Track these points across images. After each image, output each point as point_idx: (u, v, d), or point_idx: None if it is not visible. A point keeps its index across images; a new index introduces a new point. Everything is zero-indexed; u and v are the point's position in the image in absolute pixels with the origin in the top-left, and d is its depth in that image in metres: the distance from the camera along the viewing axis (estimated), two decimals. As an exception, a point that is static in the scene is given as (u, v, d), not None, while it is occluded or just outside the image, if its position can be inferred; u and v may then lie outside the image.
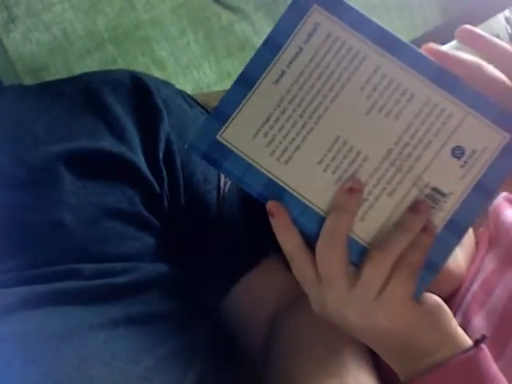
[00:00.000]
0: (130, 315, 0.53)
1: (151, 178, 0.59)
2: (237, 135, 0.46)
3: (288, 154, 0.46)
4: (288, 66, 0.46)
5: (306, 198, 0.46)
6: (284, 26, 0.47)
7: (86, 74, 0.68)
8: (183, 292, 0.59)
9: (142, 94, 0.63)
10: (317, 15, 0.47)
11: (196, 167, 0.63)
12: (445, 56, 0.46)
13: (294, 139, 0.46)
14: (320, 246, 0.45)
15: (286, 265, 0.61)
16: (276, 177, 0.46)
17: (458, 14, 1.00)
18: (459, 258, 0.60)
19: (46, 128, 0.59)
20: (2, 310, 0.49)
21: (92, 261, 0.54)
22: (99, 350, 0.49)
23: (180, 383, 0.52)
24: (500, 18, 0.99)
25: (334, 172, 0.45)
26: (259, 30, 0.93)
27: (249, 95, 0.46)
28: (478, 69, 0.46)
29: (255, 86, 0.46)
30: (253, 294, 0.61)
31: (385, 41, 0.46)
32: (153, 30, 0.92)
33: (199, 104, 0.70)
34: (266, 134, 0.46)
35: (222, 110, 0.47)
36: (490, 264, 0.60)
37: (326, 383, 0.54)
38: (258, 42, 0.94)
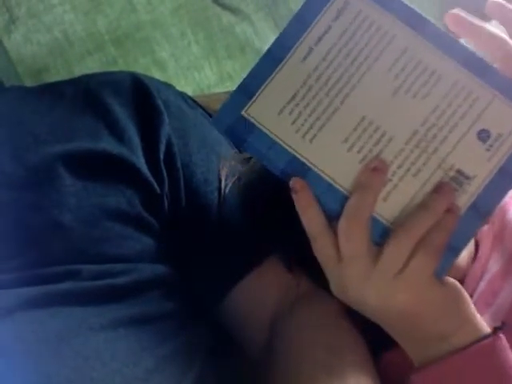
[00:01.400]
0: (130, 316, 0.53)
1: (151, 179, 0.59)
2: (262, 111, 0.46)
3: (313, 132, 0.46)
4: (316, 44, 0.46)
5: (329, 177, 0.46)
6: (313, 3, 0.47)
7: (87, 75, 0.68)
8: (183, 293, 0.59)
9: (142, 96, 0.63)
10: None
11: (197, 168, 0.63)
12: (465, 26, 0.46)
13: (319, 117, 0.46)
14: (343, 223, 0.45)
15: (287, 266, 0.62)
16: (300, 154, 0.46)
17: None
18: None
19: (47, 129, 0.59)
20: (2, 311, 0.49)
21: (92, 262, 0.54)
22: (99, 352, 0.49)
23: (179, 383, 0.52)
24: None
25: (358, 152, 0.45)
26: (260, 31, 0.93)
27: (275, 71, 0.46)
28: (501, 41, 0.46)
29: (282, 62, 0.46)
30: (253, 295, 0.61)
31: (414, 21, 0.46)
32: (153, 31, 0.92)
33: (200, 106, 0.71)
34: (291, 112, 0.46)
35: (247, 86, 0.46)
36: (495, 264, 0.60)
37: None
38: (259, 43, 0.95)
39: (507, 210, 0.63)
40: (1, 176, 0.56)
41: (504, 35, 0.46)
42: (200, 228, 0.62)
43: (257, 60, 0.47)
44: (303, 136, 0.46)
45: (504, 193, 0.45)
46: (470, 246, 0.62)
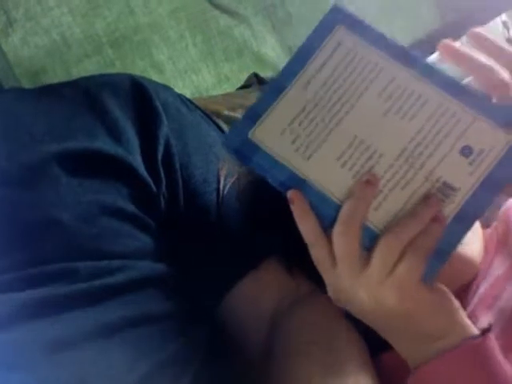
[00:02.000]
0: (127, 317, 0.53)
1: (148, 179, 0.59)
2: (266, 133, 0.52)
3: (310, 151, 0.51)
4: (314, 76, 0.52)
5: (325, 189, 0.50)
6: (313, 40, 0.53)
7: (86, 77, 0.68)
8: (181, 292, 0.59)
9: (141, 98, 0.64)
10: (341, 32, 0.53)
11: (195, 169, 0.63)
12: (459, 55, 0.50)
13: (316, 138, 0.51)
14: (337, 228, 0.48)
15: (285, 267, 0.62)
16: (298, 170, 0.51)
17: (456, 18, 1.01)
18: (477, 247, 0.62)
19: (44, 128, 0.59)
20: (1, 320, 0.49)
21: (88, 259, 0.54)
22: (95, 359, 0.50)
23: None
24: (497, 21, 1.00)
25: (351, 168, 0.50)
26: (258, 34, 0.93)
27: (279, 99, 0.52)
28: (490, 71, 0.49)
29: (285, 90, 0.52)
30: (252, 296, 0.61)
31: (400, 54, 0.51)
32: (151, 33, 0.92)
33: (198, 108, 0.71)
34: (291, 132, 0.51)
35: (254, 111, 0.52)
36: (498, 268, 0.61)
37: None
38: (257, 46, 0.96)
39: (511, 215, 0.64)
40: None
41: (491, 63, 0.50)
42: (199, 228, 0.62)
43: (268, 63, 0.52)
44: (302, 154, 0.51)
45: (487, 203, 0.48)
46: (480, 246, 0.63)
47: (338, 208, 0.49)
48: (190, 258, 0.61)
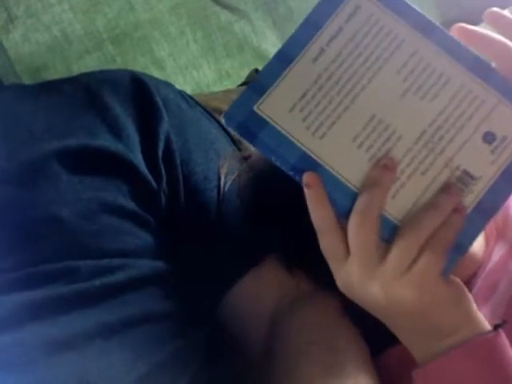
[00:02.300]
0: (127, 318, 0.53)
1: (148, 176, 0.59)
2: (274, 108, 0.47)
3: (323, 130, 0.47)
4: (327, 45, 0.47)
5: (339, 173, 0.46)
6: (325, 6, 0.48)
7: (86, 73, 0.68)
8: (181, 291, 0.59)
9: (141, 94, 0.63)
10: None
11: (196, 166, 0.63)
12: (474, 35, 0.47)
13: (329, 115, 0.47)
14: (353, 219, 0.46)
15: (286, 265, 0.62)
16: (311, 151, 0.47)
17: (457, 16, 1.01)
18: (479, 241, 0.61)
19: (44, 125, 0.59)
20: (1, 322, 0.49)
21: (89, 257, 0.54)
22: (95, 360, 0.50)
23: None
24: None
25: (367, 150, 0.47)
26: (258, 29, 0.93)
27: (287, 70, 0.47)
28: (506, 49, 0.47)
29: (294, 61, 0.47)
30: (252, 294, 0.61)
31: (424, 26, 0.47)
32: (152, 30, 0.92)
33: (199, 104, 0.71)
34: (302, 109, 0.47)
35: (259, 83, 0.47)
36: (495, 258, 0.61)
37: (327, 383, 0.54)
38: (258, 41, 0.95)
39: (509, 207, 0.63)
40: None
41: (505, 40, 0.47)
42: (199, 226, 0.62)
43: (269, 58, 0.48)
44: (313, 133, 0.47)
45: (507, 194, 0.46)
46: (481, 239, 0.63)
47: (353, 196, 0.46)
48: (190, 255, 0.61)
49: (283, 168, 0.47)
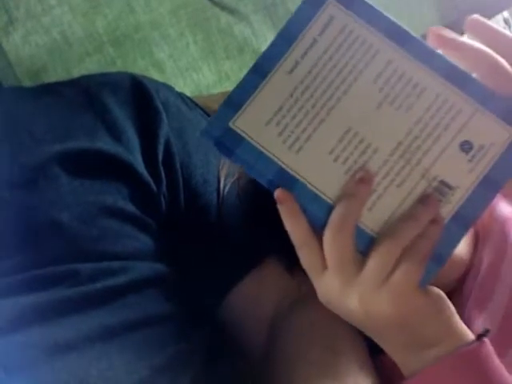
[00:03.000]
0: (127, 320, 0.53)
1: (148, 178, 0.59)
2: (249, 123, 0.47)
3: (299, 144, 0.47)
4: (302, 57, 0.47)
5: (315, 187, 0.46)
6: (299, 18, 0.48)
7: (86, 76, 0.68)
8: (182, 293, 0.59)
9: (141, 96, 0.64)
10: (332, 8, 0.47)
11: (196, 169, 0.63)
12: (453, 42, 0.47)
13: (305, 129, 0.47)
14: (328, 231, 0.46)
15: (286, 267, 0.62)
16: (287, 165, 0.47)
17: (456, 17, 1.01)
18: (465, 244, 0.61)
19: (44, 128, 0.59)
20: (2, 325, 0.49)
21: (89, 260, 0.54)
22: (96, 362, 0.50)
23: None
24: (499, 19, 0.99)
25: (344, 162, 0.46)
26: (258, 32, 0.93)
27: (262, 84, 0.47)
28: (482, 55, 0.46)
29: (269, 75, 0.47)
30: (253, 296, 0.61)
31: (398, 36, 0.47)
32: (152, 32, 0.92)
33: (199, 106, 0.71)
34: (278, 123, 0.47)
35: (235, 98, 0.47)
36: (484, 260, 0.60)
37: (326, 384, 0.54)
38: (257, 43, 0.95)
39: (495, 204, 0.63)
40: None
41: (486, 48, 0.47)
42: (199, 228, 0.62)
43: (245, 72, 0.48)
44: (290, 147, 0.47)
45: (486, 203, 0.46)
46: (468, 241, 0.62)
47: (330, 209, 0.46)
48: (190, 258, 0.61)
49: (262, 182, 0.47)
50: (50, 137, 0.58)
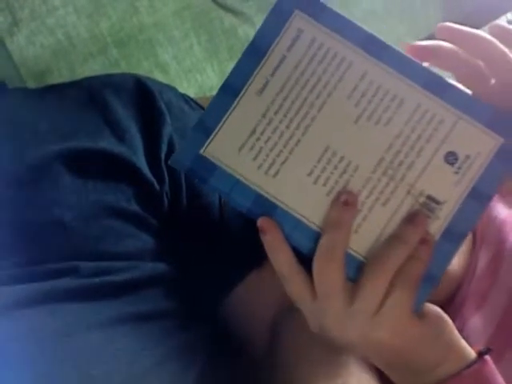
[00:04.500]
0: (129, 313, 0.53)
1: (151, 178, 0.59)
2: (222, 149, 0.44)
3: (276, 167, 0.44)
4: (272, 75, 0.45)
5: (297, 212, 0.44)
6: (266, 33, 0.45)
7: (90, 77, 0.69)
8: (184, 292, 0.59)
9: (144, 97, 0.64)
10: (299, 21, 0.45)
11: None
12: (422, 48, 0.45)
13: (281, 151, 0.44)
14: (317, 263, 0.44)
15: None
16: (265, 191, 0.44)
17: (460, 18, 1.01)
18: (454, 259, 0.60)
19: (48, 128, 0.59)
20: (0, 310, 0.50)
21: (90, 259, 0.54)
22: (98, 350, 0.50)
23: (179, 383, 0.52)
24: (502, 20, 1.00)
25: (324, 184, 0.44)
26: (262, 33, 0.93)
27: (232, 106, 0.44)
28: (455, 55, 0.45)
29: (239, 96, 0.45)
30: (254, 295, 0.62)
31: (371, 46, 0.45)
32: (156, 33, 0.92)
33: (202, 107, 0.71)
34: (252, 147, 0.44)
35: (205, 123, 0.45)
36: (481, 263, 0.59)
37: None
38: (261, 45, 0.95)
39: (492, 207, 0.62)
40: (0, 173, 0.56)
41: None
42: (201, 228, 0.62)
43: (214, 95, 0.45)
44: (266, 172, 0.44)
45: (477, 215, 0.44)
46: (465, 248, 0.61)
47: (315, 235, 0.44)
48: (191, 257, 0.62)
49: (241, 211, 0.45)
50: (54, 136, 0.59)
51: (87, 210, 0.56)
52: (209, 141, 0.44)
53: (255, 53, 0.45)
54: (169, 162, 0.45)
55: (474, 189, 0.44)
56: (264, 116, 0.44)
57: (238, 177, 0.44)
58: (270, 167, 0.44)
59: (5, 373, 0.46)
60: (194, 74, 0.94)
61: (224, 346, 0.60)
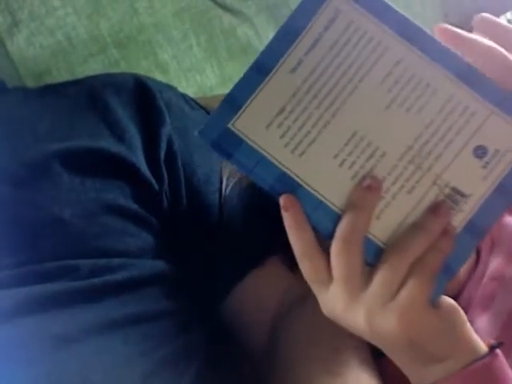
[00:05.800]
0: (129, 314, 0.53)
1: (150, 177, 0.60)
2: (249, 125, 0.44)
3: (303, 147, 0.44)
4: (306, 55, 0.44)
5: (320, 193, 0.44)
6: (303, 11, 0.44)
7: (90, 76, 0.69)
8: (183, 291, 0.59)
9: (144, 97, 0.64)
10: (338, 2, 0.44)
11: (197, 168, 0.63)
12: (457, 37, 0.45)
13: (309, 131, 0.44)
14: (336, 244, 0.44)
15: (288, 266, 0.62)
16: (289, 170, 0.44)
17: (460, 18, 1.01)
18: None
19: (47, 127, 0.60)
20: (1, 316, 0.50)
21: (90, 256, 0.54)
22: (98, 355, 0.50)
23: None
24: (502, 20, 1.00)
25: (350, 167, 0.44)
26: (261, 33, 0.93)
27: (263, 84, 0.44)
28: (490, 51, 0.45)
29: (270, 74, 0.44)
30: (254, 295, 0.61)
31: (409, 32, 0.44)
32: (155, 33, 0.92)
33: (202, 107, 0.71)
34: (280, 125, 0.44)
35: (234, 98, 0.44)
36: (491, 268, 0.59)
37: (328, 383, 0.54)
38: (261, 45, 0.95)
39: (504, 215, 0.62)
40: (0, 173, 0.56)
41: (501, 48, 0.45)
42: (201, 227, 0.62)
43: (244, 71, 0.45)
44: (292, 151, 0.44)
45: (500, 212, 0.44)
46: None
47: (336, 218, 0.43)
48: (191, 256, 0.62)
49: (263, 187, 0.45)
50: (53, 136, 0.59)
51: (86, 207, 0.56)
52: (237, 116, 0.44)
53: (290, 32, 0.44)
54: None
55: (500, 184, 0.43)
56: (294, 95, 0.44)
57: (263, 153, 0.44)
58: (296, 146, 0.44)
59: (5, 379, 0.46)
60: (194, 74, 0.94)
61: (223, 345, 0.60)
